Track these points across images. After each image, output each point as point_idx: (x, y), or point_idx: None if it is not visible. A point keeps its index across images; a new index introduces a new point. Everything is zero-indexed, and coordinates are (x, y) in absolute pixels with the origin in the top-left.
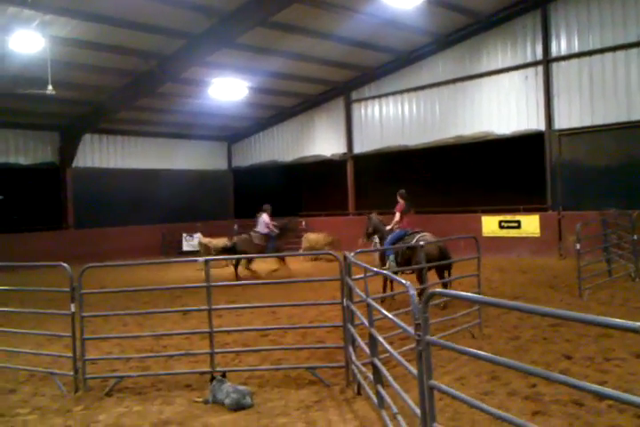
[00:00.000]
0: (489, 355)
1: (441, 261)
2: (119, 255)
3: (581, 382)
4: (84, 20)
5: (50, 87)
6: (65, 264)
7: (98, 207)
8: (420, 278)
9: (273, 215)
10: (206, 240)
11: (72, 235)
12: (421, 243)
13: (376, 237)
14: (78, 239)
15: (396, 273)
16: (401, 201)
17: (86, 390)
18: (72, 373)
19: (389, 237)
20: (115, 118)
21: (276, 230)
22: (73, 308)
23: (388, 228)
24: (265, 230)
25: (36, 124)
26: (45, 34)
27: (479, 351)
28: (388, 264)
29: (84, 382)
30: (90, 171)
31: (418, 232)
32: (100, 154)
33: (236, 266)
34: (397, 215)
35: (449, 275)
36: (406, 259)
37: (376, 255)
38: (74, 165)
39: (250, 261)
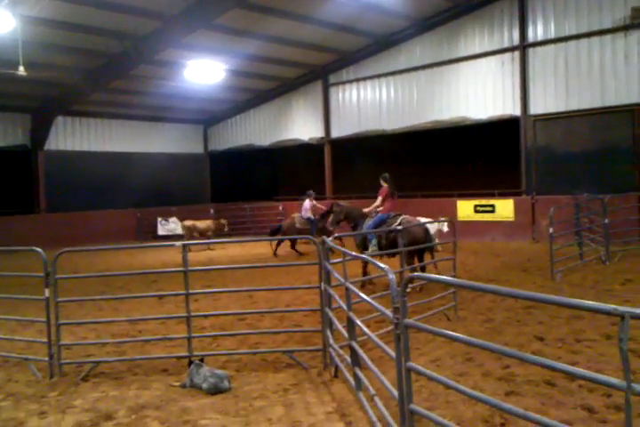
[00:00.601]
0: (465, 337)
1: (425, 244)
2: (93, 239)
3: (554, 362)
4: None
5: (21, 68)
6: (39, 249)
7: (71, 191)
8: (406, 261)
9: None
10: (190, 223)
11: (44, 219)
12: (399, 227)
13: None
14: (51, 223)
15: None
16: (385, 185)
17: (61, 376)
18: (47, 358)
19: (372, 222)
20: (88, 100)
21: (315, 216)
22: (47, 293)
23: (366, 210)
24: (307, 215)
25: (6, 106)
26: (16, 13)
27: (456, 334)
28: (370, 248)
29: (59, 367)
30: (62, 154)
31: (399, 215)
32: (73, 136)
33: (292, 245)
34: (379, 199)
35: (432, 257)
36: (391, 242)
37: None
38: (46, 147)
39: (294, 241)
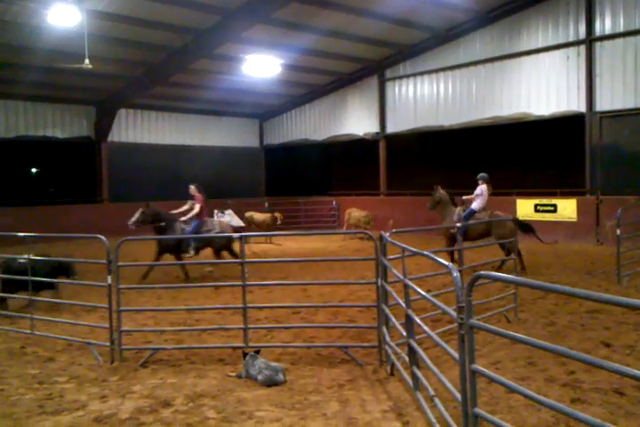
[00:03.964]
0: (533, 340)
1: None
2: (151, 230)
3: (630, 369)
4: None
5: (86, 61)
6: (102, 237)
7: (132, 181)
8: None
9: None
10: (249, 214)
11: (107, 208)
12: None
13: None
14: (113, 212)
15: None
16: (198, 195)
17: (122, 361)
18: (108, 343)
19: (192, 227)
20: (149, 94)
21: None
22: (109, 280)
23: (184, 218)
24: (478, 205)
25: (72, 99)
26: (82, 8)
27: (523, 336)
28: (190, 252)
29: (120, 352)
30: (124, 145)
31: (209, 219)
32: (135, 129)
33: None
34: (197, 207)
35: (233, 255)
36: (205, 244)
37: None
38: (109, 139)
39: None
